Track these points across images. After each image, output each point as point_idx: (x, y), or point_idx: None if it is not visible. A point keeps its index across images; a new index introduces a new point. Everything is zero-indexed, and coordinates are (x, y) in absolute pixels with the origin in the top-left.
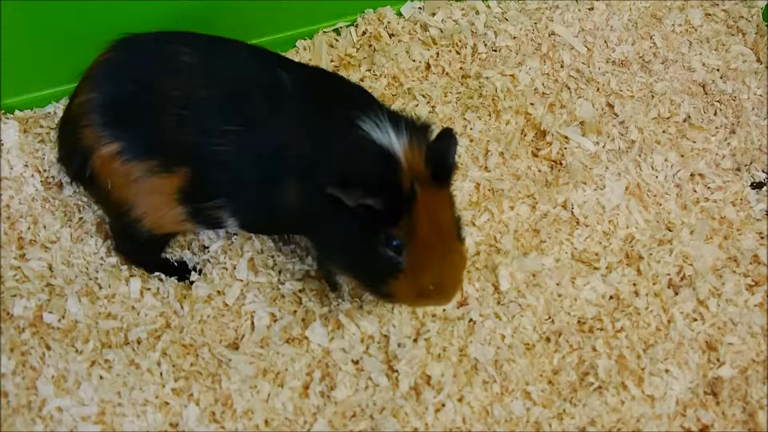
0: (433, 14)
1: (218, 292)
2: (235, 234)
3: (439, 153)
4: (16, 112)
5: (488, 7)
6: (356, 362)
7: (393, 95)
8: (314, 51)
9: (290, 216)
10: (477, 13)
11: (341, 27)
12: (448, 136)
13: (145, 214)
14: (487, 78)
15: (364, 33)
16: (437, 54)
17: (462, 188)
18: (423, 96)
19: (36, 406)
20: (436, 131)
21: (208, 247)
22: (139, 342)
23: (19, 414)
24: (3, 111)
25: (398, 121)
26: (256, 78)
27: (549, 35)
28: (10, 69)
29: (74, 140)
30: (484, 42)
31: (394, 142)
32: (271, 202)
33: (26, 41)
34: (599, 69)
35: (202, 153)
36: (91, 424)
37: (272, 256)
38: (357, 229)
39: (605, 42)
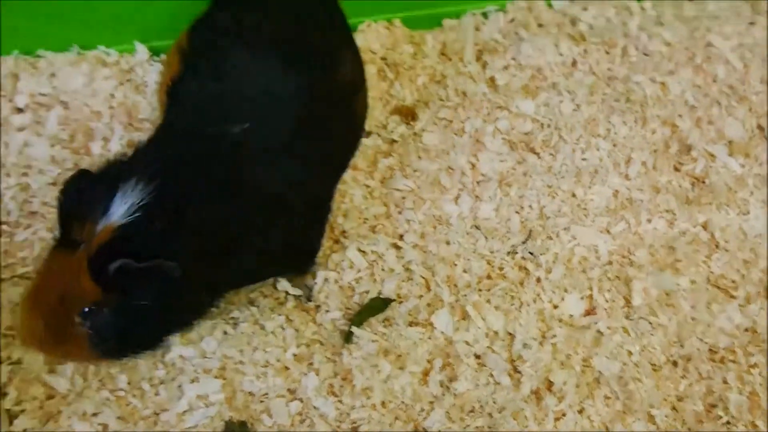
0: (585, 9)
1: (349, 264)
2: None
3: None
4: (162, 56)
5: (642, 9)
6: (478, 357)
7: (537, 87)
8: (460, 32)
9: None
10: (630, 13)
11: (490, 11)
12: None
13: None
14: (637, 83)
15: (512, 20)
16: (585, 51)
17: (600, 193)
18: (568, 92)
19: (159, 353)
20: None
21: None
22: (264, 303)
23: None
24: (150, 54)
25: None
26: None
27: (705, 46)
28: (166, 13)
29: None
30: (635, 45)
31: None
32: None
33: None
34: (753, 88)
35: None
36: (212, 377)
37: None
38: None
39: (762, 60)
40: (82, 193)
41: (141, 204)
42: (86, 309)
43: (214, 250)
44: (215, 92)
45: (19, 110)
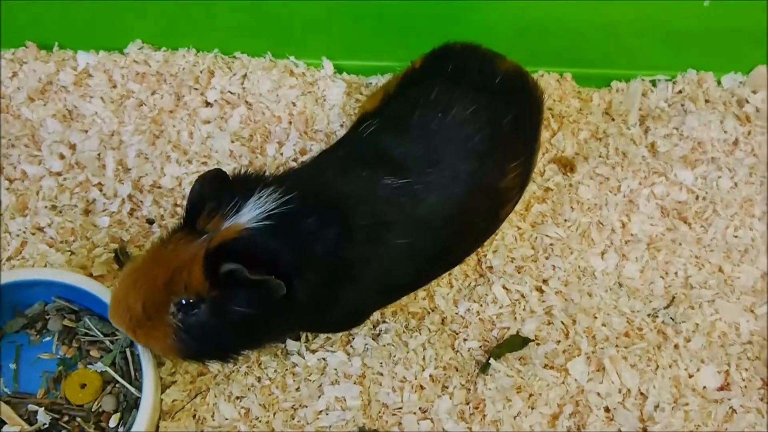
0: (754, 92)
1: (493, 299)
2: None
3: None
4: (344, 74)
5: None
6: (608, 410)
7: (696, 160)
8: (627, 95)
9: None
10: None
11: (659, 80)
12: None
13: None
14: None
15: (679, 92)
16: (749, 132)
17: (748, 272)
18: (728, 169)
19: (306, 345)
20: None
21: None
22: (408, 321)
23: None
24: (335, 71)
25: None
26: None
27: None
28: (354, 35)
29: None
30: None
31: (251, 208)
32: None
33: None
34: None
35: None
36: (352, 383)
37: None
38: None
39: None
40: (219, 187)
41: (272, 213)
42: (184, 301)
43: (319, 285)
44: (393, 142)
45: (209, 104)
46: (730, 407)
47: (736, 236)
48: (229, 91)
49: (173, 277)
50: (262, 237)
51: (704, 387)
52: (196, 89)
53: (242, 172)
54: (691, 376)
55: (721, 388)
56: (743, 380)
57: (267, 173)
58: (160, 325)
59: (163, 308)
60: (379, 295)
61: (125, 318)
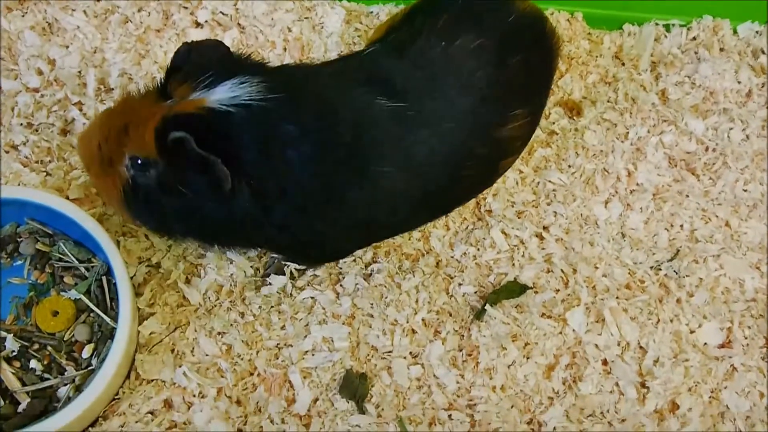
0: None
1: (491, 243)
2: None
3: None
4: (344, 1)
5: None
6: (606, 363)
7: (707, 110)
8: (639, 39)
9: None
10: None
11: (673, 24)
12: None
13: None
14: None
15: (693, 38)
16: (763, 84)
17: (756, 228)
18: (741, 121)
19: (289, 291)
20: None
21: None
22: (401, 263)
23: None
24: None
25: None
26: None
27: None
28: None
29: None
30: None
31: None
32: None
33: None
34: None
35: None
36: (339, 323)
37: None
38: None
39: None
40: (207, 58)
41: (243, 103)
42: (138, 158)
43: (289, 202)
44: (392, 65)
45: (199, 25)
46: (731, 365)
47: (745, 190)
48: (221, 12)
49: (127, 130)
50: (221, 122)
51: (705, 343)
52: (185, 8)
53: (241, 53)
54: (692, 332)
55: (723, 346)
56: (745, 338)
57: (269, 64)
58: (113, 172)
59: (117, 157)
60: (357, 230)
61: (87, 151)
